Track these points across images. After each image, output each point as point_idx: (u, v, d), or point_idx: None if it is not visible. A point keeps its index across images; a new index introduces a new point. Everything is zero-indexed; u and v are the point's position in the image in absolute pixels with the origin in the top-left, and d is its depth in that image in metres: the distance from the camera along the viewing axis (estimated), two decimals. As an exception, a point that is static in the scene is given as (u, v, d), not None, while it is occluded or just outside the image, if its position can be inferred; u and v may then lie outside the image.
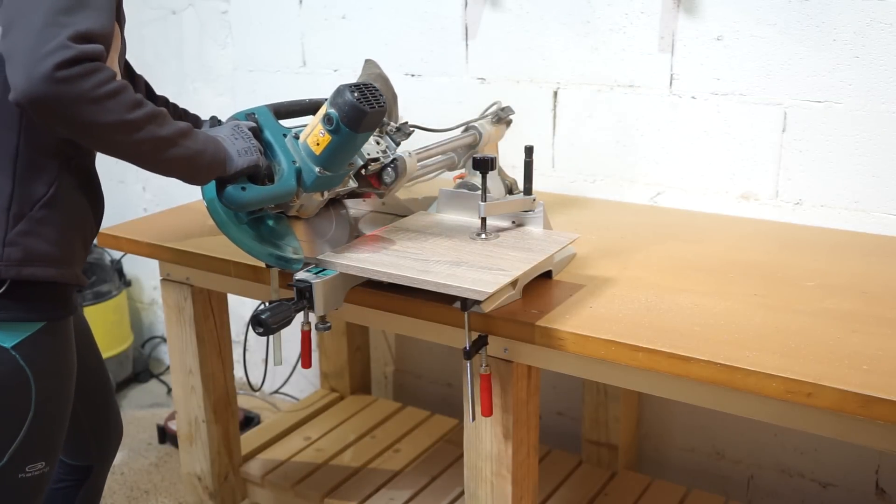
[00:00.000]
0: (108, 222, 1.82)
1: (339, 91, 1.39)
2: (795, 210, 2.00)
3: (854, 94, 1.87)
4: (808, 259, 1.72)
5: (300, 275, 1.48)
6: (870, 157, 1.89)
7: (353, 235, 1.63)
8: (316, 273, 1.48)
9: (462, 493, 2.12)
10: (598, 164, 2.22)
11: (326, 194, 1.54)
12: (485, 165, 1.55)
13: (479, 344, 1.48)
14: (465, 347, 1.45)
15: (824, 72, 1.90)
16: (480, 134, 1.83)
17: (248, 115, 1.49)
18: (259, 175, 1.43)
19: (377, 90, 1.41)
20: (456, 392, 2.67)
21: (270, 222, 1.52)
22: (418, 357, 2.74)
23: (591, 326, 1.40)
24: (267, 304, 1.44)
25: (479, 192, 1.59)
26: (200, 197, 1.74)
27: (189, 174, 1.34)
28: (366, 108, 1.37)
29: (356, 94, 1.37)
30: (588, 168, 2.23)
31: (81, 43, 1.15)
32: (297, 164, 1.45)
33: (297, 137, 1.48)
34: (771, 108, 1.97)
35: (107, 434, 1.76)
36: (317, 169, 1.44)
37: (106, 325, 2.98)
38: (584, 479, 2.25)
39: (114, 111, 1.18)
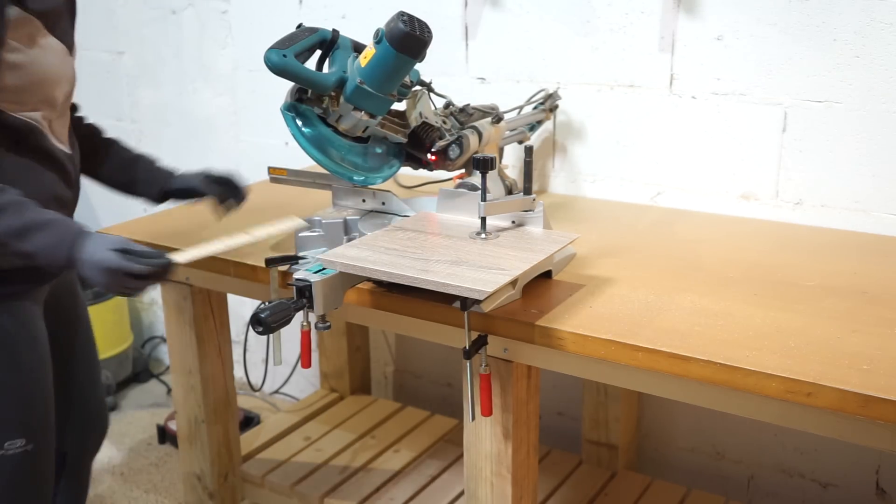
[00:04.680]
0: (109, 222, 1.82)
1: (394, 15, 1.55)
2: (795, 210, 2.00)
3: (854, 94, 1.87)
4: (808, 259, 1.72)
5: (299, 274, 1.48)
6: (870, 157, 1.89)
7: None
8: (315, 272, 1.48)
9: (462, 493, 2.13)
10: (598, 164, 2.21)
11: (365, 118, 1.64)
12: (485, 165, 1.55)
13: (479, 344, 1.47)
14: (465, 347, 1.44)
15: (824, 72, 1.89)
16: (480, 133, 1.83)
17: (334, 30, 1.67)
18: None
19: (427, 26, 1.56)
20: (456, 392, 2.67)
21: (355, 157, 1.69)
22: (418, 357, 2.74)
23: (591, 326, 1.40)
24: (267, 303, 1.44)
25: (479, 192, 1.59)
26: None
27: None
28: (407, 28, 1.52)
29: (405, 18, 1.53)
30: (588, 168, 2.23)
31: None
32: (346, 74, 1.62)
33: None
34: (771, 108, 1.97)
35: (81, 424, 1.76)
36: (358, 79, 1.59)
37: (106, 325, 2.97)
38: (584, 479, 2.25)
39: None
